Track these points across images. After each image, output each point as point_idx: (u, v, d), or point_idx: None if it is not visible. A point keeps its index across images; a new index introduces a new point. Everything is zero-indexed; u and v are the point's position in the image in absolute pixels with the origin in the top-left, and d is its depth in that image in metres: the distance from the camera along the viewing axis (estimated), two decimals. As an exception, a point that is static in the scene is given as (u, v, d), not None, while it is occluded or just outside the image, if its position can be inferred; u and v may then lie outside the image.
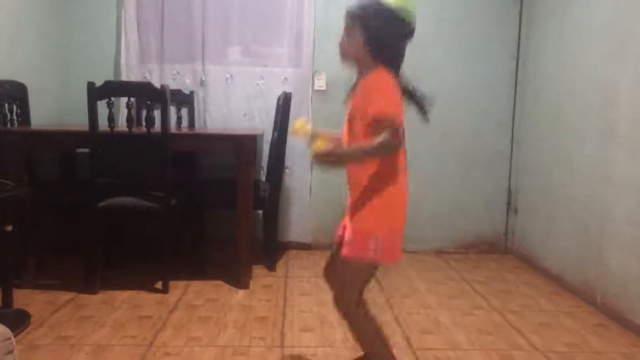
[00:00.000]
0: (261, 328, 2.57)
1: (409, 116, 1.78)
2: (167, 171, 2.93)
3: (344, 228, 1.90)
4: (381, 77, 1.76)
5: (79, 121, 3.25)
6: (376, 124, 1.69)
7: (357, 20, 1.79)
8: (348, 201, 1.91)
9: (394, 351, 1.95)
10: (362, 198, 1.80)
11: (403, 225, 1.84)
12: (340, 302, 1.89)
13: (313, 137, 1.79)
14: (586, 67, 3.14)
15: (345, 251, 1.82)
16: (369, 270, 1.87)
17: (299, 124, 1.85)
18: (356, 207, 1.82)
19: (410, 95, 1.82)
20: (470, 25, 3.97)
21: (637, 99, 2.68)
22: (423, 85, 1.86)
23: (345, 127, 1.91)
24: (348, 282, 1.87)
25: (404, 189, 1.84)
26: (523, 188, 3.94)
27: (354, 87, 1.88)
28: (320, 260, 3.75)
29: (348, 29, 1.82)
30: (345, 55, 1.86)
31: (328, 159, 1.72)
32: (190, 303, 2.85)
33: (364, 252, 1.77)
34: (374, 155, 1.74)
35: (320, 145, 1.72)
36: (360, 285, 1.87)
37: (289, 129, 1.80)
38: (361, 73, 1.85)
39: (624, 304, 2.72)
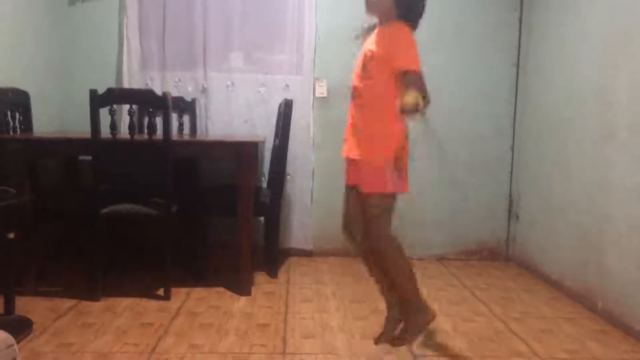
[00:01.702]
0: (263, 335, 2.57)
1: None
2: (169, 178, 2.94)
3: (349, 174, 2.20)
4: (404, 32, 2.04)
5: (81, 128, 3.28)
6: (402, 75, 2.00)
7: None
8: (352, 150, 2.14)
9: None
10: (373, 142, 2.06)
11: (407, 161, 2.11)
12: (374, 239, 2.10)
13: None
14: (585, 73, 3.16)
15: (366, 188, 2.06)
16: (390, 200, 2.09)
17: (413, 98, 1.91)
18: (368, 150, 2.06)
19: None
20: (471, 32, 3.99)
21: (636, 103, 2.69)
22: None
23: (357, 69, 2.14)
24: (376, 215, 2.06)
25: (406, 133, 2.10)
26: (524, 194, 3.94)
27: (369, 31, 2.17)
28: (321, 266, 3.78)
29: None
30: (371, 9, 2.13)
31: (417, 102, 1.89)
32: (191, 310, 2.86)
33: (383, 185, 2.03)
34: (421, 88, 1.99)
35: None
36: (388, 214, 2.09)
37: (403, 103, 1.92)
38: (381, 22, 2.13)
39: (625, 310, 2.72)
